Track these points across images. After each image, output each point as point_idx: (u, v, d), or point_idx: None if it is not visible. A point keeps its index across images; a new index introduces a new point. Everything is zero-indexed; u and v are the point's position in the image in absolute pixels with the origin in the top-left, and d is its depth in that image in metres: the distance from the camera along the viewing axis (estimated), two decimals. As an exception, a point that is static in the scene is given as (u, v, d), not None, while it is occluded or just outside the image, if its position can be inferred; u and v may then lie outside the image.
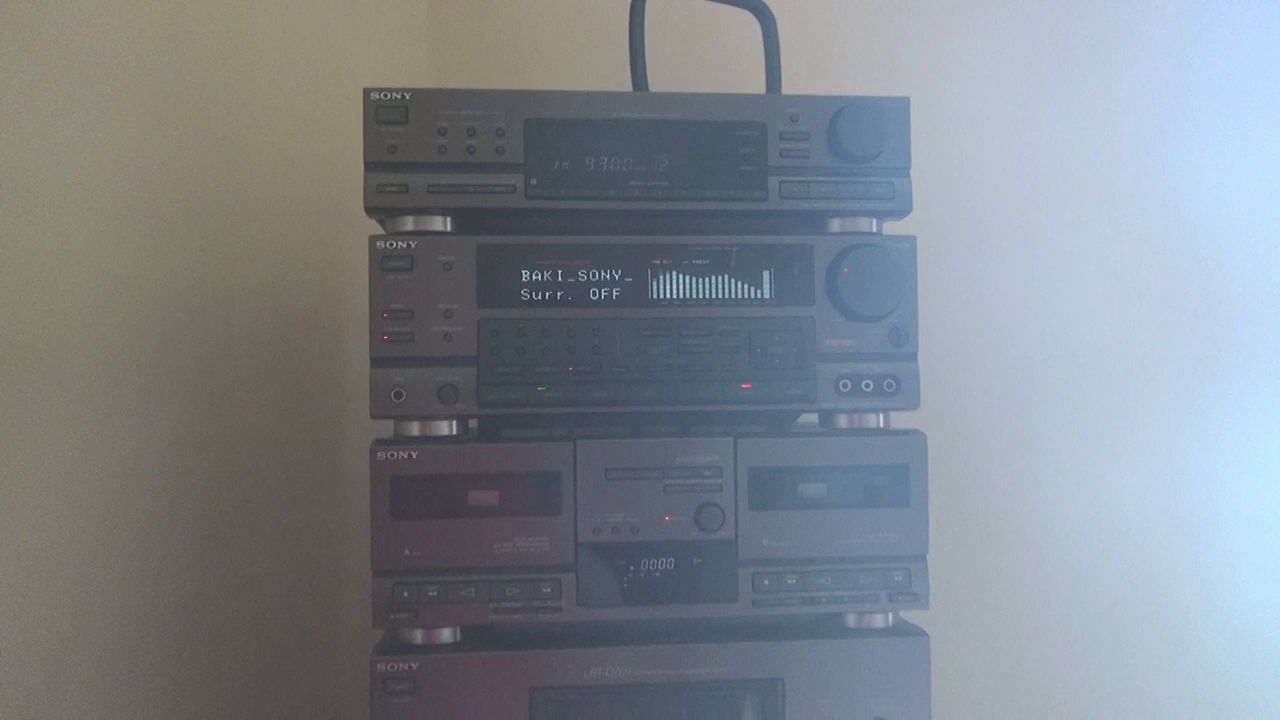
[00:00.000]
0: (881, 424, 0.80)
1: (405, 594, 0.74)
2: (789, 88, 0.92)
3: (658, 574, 0.76)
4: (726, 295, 0.78)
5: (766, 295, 0.78)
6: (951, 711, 1.16)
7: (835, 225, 0.80)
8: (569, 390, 0.76)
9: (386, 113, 0.75)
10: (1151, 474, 1.19)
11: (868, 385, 0.78)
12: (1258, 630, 1.19)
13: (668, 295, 0.78)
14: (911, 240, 0.79)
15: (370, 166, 0.76)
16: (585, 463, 0.76)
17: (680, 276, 0.78)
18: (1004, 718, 1.18)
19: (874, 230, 0.81)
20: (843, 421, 0.80)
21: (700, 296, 0.78)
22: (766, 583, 0.77)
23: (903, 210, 0.80)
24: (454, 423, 0.77)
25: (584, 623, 0.76)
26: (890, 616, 0.79)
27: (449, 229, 0.77)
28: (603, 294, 0.77)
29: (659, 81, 0.93)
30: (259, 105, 1.03)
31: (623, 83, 0.91)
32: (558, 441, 0.76)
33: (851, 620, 0.79)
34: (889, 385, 0.79)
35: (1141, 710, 1.18)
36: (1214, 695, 1.17)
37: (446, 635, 0.76)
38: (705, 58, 1.18)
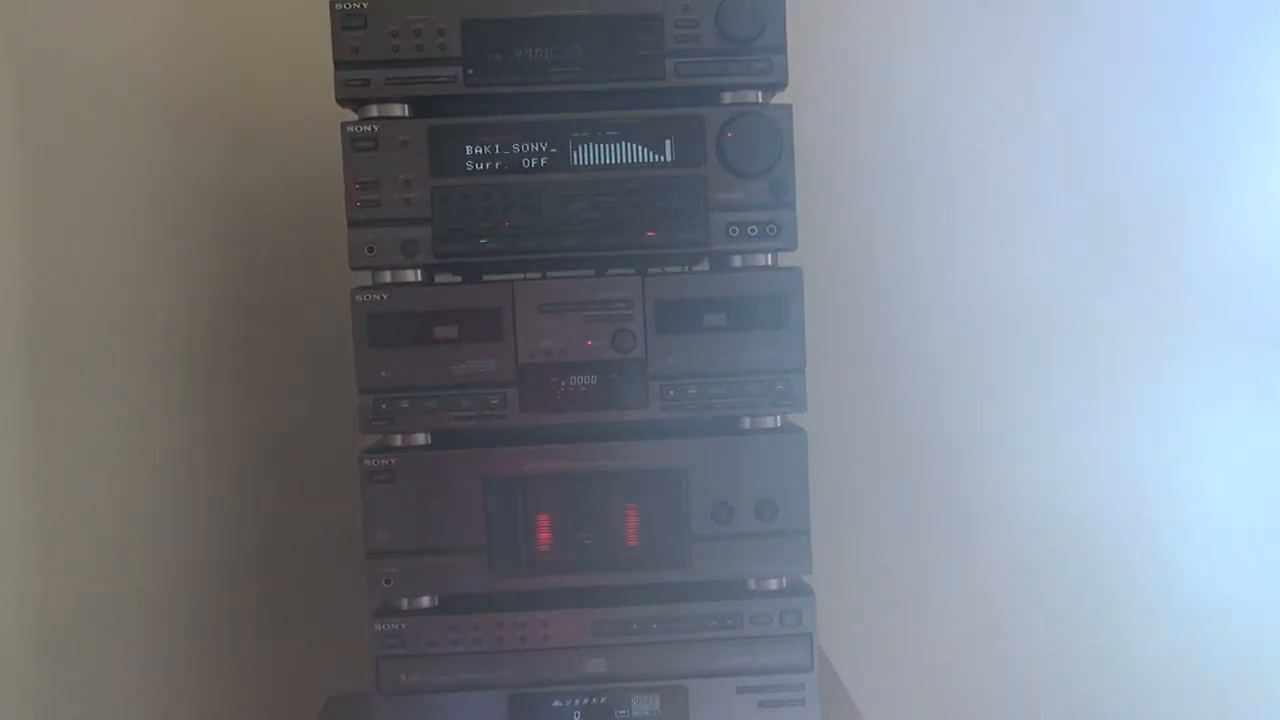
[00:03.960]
0: (770, 262, 0.97)
1: (384, 406, 0.94)
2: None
3: (583, 387, 0.95)
4: (634, 160, 0.95)
5: (668, 159, 0.95)
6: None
7: (727, 98, 0.96)
8: (506, 242, 0.94)
9: (349, 20, 0.93)
10: (1111, 440, 1.31)
11: (753, 230, 0.95)
12: (1208, 598, 1.33)
13: (586, 162, 0.95)
14: (787, 108, 0.95)
15: (339, 65, 0.93)
16: (522, 300, 0.94)
17: (596, 146, 0.95)
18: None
19: (759, 101, 0.96)
20: (736, 261, 0.97)
21: (612, 162, 0.95)
22: (671, 392, 0.95)
23: (780, 83, 0.95)
24: (418, 271, 0.96)
25: (525, 426, 0.95)
26: (778, 419, 0.97)
27: (405, 114, 0.95)
28: (532, 163, 0.95)
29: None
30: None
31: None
32: (499, 283, 0.95)
33: (746, 423, 0.97)
34: (771, 230, 0.95)
35: (1091, 659, 1.34)
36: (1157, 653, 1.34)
37: (419, 439, 0.96)
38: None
